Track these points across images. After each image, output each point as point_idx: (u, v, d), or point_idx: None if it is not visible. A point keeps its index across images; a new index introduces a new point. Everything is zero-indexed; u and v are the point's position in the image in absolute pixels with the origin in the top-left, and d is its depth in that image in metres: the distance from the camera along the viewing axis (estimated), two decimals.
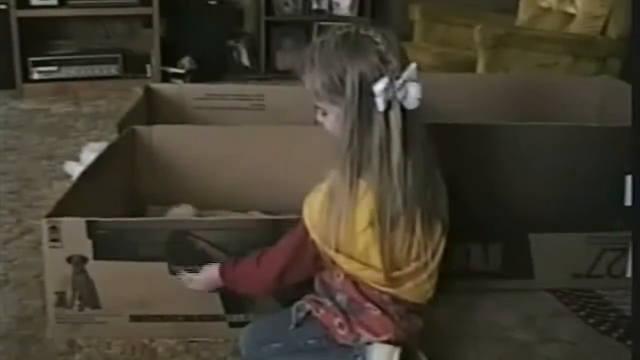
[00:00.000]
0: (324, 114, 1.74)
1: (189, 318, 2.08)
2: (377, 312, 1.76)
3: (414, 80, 1.63)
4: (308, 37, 5.41)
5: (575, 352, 2.11)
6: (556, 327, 2.22)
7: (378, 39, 1.65)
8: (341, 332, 1.80)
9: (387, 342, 1.76)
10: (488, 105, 2.94)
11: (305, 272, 1.83)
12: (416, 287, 1.77)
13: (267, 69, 5.34)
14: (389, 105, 1.62)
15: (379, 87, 1.61)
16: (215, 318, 2.08)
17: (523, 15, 4.32)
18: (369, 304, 1.77)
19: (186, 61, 5.06)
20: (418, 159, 1.67)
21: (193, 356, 2.04)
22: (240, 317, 2.06)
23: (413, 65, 1.64)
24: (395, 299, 1.77)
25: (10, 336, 2.11)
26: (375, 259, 1.71)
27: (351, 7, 5.37)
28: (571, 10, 4.02)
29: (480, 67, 3.69)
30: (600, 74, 3.55)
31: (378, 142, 1.64)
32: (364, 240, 1.69)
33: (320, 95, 1.70)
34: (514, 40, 3.71)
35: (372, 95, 1.62)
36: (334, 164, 1.71)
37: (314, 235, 1.73)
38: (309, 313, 1.84)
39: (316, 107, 1.76)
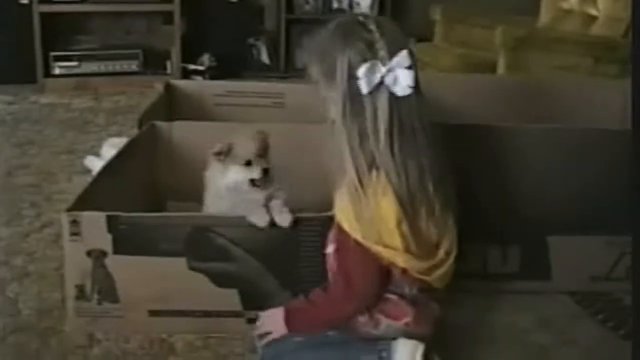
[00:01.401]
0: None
1: (207, 314, 2.09)
2: (394, 297, 1.80)
3: (405, 67, 1.66)
4: None
5: (592, 356, 2.10)
6: (574, 330, 2.21)
7: (371, 27, 1.69)
8: (361, 319, 1.82)
9: (406, 325, 1.81)
10: (508, 107, 2.93)
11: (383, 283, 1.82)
12: (444, 275, 1.81)
13: (286, 67, 5.34)
14: (377, 89, 1.66)
15: (361, 70, 1.65)
16: (233, 314, 2.09)
17: (544, 16, 4.30)
18: (387, 294, 1.80)
19: (206, 58, 5.07)
20: (411, 145, 1.70)
21: (211, 352, 2.05)
22: (258, 314, 2.06)
23: (404, 52, 1.67)
24: (421, 287, 1.80)
25: (30, 328, 2.13)
26: (414, 247, 1.73)
27: (371, 6, 5.37)
28: (593, 12, 4.00)
29: (500, 69, 3.68)
30: (622, 76, 3.53)
31: (370, 125, 1.68)
32: (401, 233, 1.71)
33: (321, 84, 1.76)
34: (535, 42, 3.70)
35: (357, 78, 1.66)
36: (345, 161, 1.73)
37: (356, 236, 1.72)
38: None
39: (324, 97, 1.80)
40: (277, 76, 5.14)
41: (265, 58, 5.36)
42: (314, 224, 2.03)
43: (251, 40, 5.33)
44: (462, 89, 3.01)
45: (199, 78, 4.96)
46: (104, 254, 2.02)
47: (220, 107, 2.99)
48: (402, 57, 1.67)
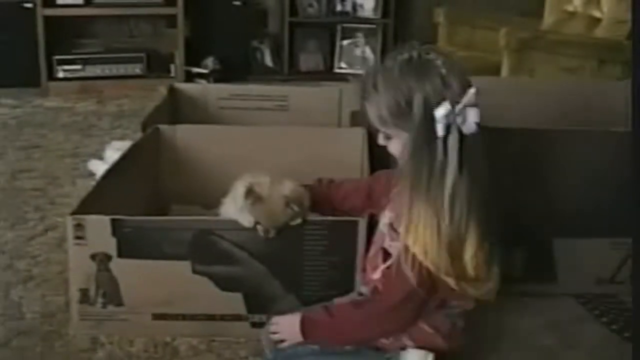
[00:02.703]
0: (387, 137, 1.73)
1: (211, 317, 2.09)
2: (430, 330, 1.80)
3: (473, 105, 1.62)
4: (332, 38, 5.42)
5: (597, 358, 2.10)
6: (579, 333, 2.21)
7: (439, 62, 1.64)
8: (385, 340, 1.82)
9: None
10: (511, 109, 2.92)
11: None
12: (486, 297, 1.79)
13: (290, 70, 5.33)
14: (447, 130, 1.61)
15: (440, 112, 1.59)
16: (238, 318, 2.09)
17: (548, 18, 4.29)
18: (423, 324, 1.80)
19: (210, 61, 5.07)
20: (472, 183, 1.66)
21: (215, 355, 2.05)
22: (262, 318, 2.06)
23: (472, 90, 1.62)
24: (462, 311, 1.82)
25: (34, 332, 2.13)
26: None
27: (375, 9, 5.36)
28: (597, 14, 4.00)
29: (504, 71, 3.67)
30: (626, 78, 3.52)
31: (438, 165, 1.63)
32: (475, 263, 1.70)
33: (386, 121, 1.69)
34: (539, 44, 3.70)
35: (432, 120, 1.60)
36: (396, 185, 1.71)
37: (430, 266, 1.68)
38: None
39: (377, 131, 1.76)
40: (280, 79, 5.14)
41: (269, 61, 5.36)
42: (318, 227, 2.02)
43: (255, 43, 5.33)
44: None
45: (203, 81, 4.96)
46: (108, 257, 2.02)
47: (224, 111, 3.00)
48: (472, 95, 1.62)
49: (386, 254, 1.82)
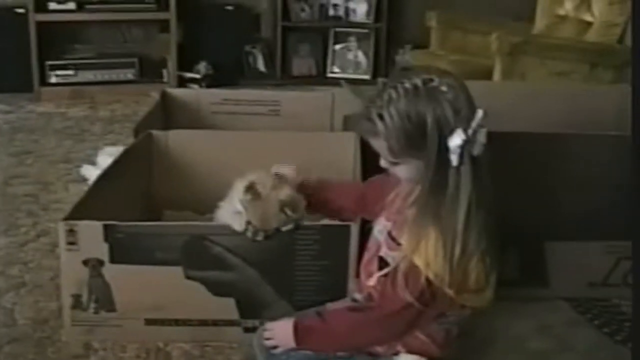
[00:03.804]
0: (394, 163, 1.70)
1: (203, 322, 2.09)
2: (426, 339, 1.79)
3: (482, 127, 1.59)
4: (324, 43, 5.43)
5: None
6: (571, 337, 2.21)
7: (444, 88, 1.60)
8: (379, 348, 1.82)
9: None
10: (503, 113, 2.92)
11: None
12: (484, 305, 1.78)
13: (283, 75, 5.34)
14: (461, 159, 1.59)
15: (454, 142, 1.57)
16: (230, 323, 2.09)
17: (540, 23, 4.31)
18: (418, 332, 1.79)
19: (202, 66, 5.07)
20: (484, 207, 1.64)
21: None
22: (255, 323, 2.06)
23: (480, 112, 1.59)
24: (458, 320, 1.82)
25: (26, 338, 2.13)
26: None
27: (368, 14, 5.37)
28: (588, 18, 4.01)
29: (496, 75, 3.69)
30: (617, 82, 3.54)
31: (451, 192, 1.61)
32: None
33: (397, 152, 1.65)
34: (531, 48, 3.71)
35: (447, 149, 1.58)
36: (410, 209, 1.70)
37: (436, 282, 1.67)
38: None
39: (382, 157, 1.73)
40: (273, 84, 5.14)
41: (261, 66, 5.37)
42: (310, 232, 2.02)
43: (247, 48, 5.33)
44: None
45: (195, 86, 4.97)
46: (100, 263, 2.01)
47: (216, 115, 3.00)
48: (480, 118, 1.59)
49: (382, 262, 1.81)
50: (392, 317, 1.73)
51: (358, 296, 1.95)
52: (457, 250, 1.63)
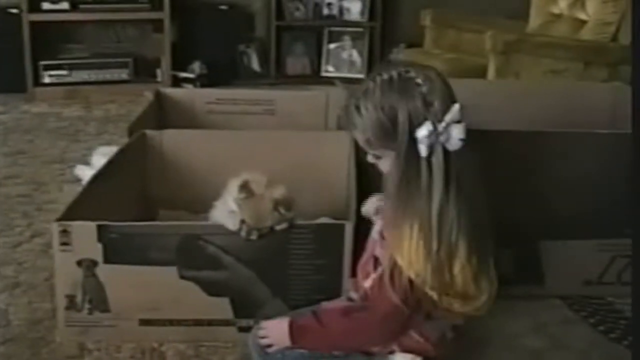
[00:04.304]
0: (377, 157, 1.72)
1: (198, 322, 2.08)
2: (420, 339, 1.79)
3: (457, 122, 1.60)
4: (319, 42, 5.43)
5: None
6: (566, 335, 2.21)
7: (420, 81, 1.61)
8: (374, 348, 1.82)
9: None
10: (497, 111, 2.93)
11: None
12: (475, 312, 1.79)
13: (277, 74, 5.33)
14: (431, 150, 1.59)
15: (421, 132, 1.58)
16: (225, 323, 2.09)
17: (534, 21, 4.31)
18: (412, 332, 1.79)
19: (196, 66, 5.06)
20: (463, 200, 1.64)
21: None
22: (250, 322, 2.05)
23: (456, 107, 1.60)
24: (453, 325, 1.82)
25: (20, 339, 2.12)
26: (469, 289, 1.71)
27: (362, 13, 5.37)
28: (582, 16, 4.02)
29: (490, 73, 3.69)
30: (611, 80, 3.54)
31: (423, 184, 1.62)
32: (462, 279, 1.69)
33: (373, 143, 1.68)
34: (525, 47, 3.71)
35: (416, 140, 1.59)
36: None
37: (423, 287, 1.67)
38: None
39: (366, 152, 1.74)
40: (267, 83, 5.14)
41: (256, 65, 5.36)
42: (305, 231, 2.02)
43: (242, 48, 5.33)
44: None
45: (190, 86, 4.96)
46: (94, 263, 2.01)
47: (211, 115, 2.99)
48: (455, 112, 1.59)
49: (377, 262, 1.82)
50: (384, 320, 1.74)
51: (354, 295, 1.95)
52: (434, 245, 1.63)
